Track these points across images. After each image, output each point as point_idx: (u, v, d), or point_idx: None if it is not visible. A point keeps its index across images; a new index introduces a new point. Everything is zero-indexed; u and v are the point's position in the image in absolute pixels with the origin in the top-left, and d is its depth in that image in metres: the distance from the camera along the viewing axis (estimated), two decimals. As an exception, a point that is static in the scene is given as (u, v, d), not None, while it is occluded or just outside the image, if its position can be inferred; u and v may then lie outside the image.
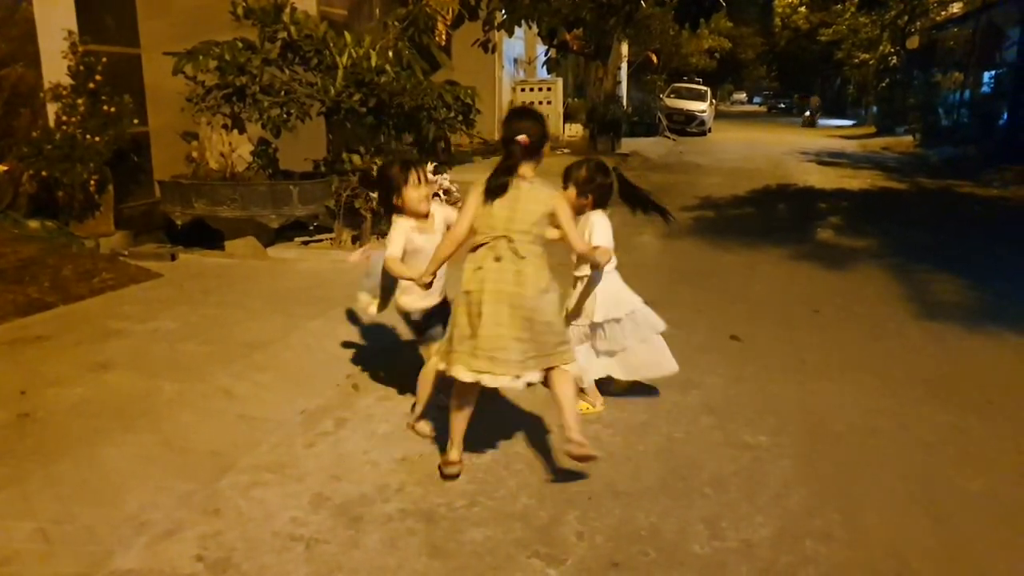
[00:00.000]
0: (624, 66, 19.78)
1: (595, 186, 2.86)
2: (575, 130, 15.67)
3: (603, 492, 2.42)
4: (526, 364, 2.34)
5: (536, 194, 2.37)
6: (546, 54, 13.79)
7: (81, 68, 5.13)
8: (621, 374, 3.05)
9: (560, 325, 2.50)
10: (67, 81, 5.12)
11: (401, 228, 2.67)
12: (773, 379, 3.43)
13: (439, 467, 2.52)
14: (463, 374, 2.34)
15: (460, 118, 5.94)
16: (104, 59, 5.29)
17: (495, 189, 2.34)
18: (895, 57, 24.10)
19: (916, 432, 2.93)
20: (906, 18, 22.35)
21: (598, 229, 2.85)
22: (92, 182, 5.11)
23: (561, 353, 2.41)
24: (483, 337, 2.30)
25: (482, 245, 2.36)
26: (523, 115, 2.47)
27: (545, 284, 2.37)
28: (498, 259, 2.32)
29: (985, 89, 16.16)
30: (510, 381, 2.34)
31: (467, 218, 2.39)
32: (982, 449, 2.79)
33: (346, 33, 5.68)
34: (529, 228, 2.35)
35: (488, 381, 2.34)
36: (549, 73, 14.81)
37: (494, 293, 2.31)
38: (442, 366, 2.46)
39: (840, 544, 2.19)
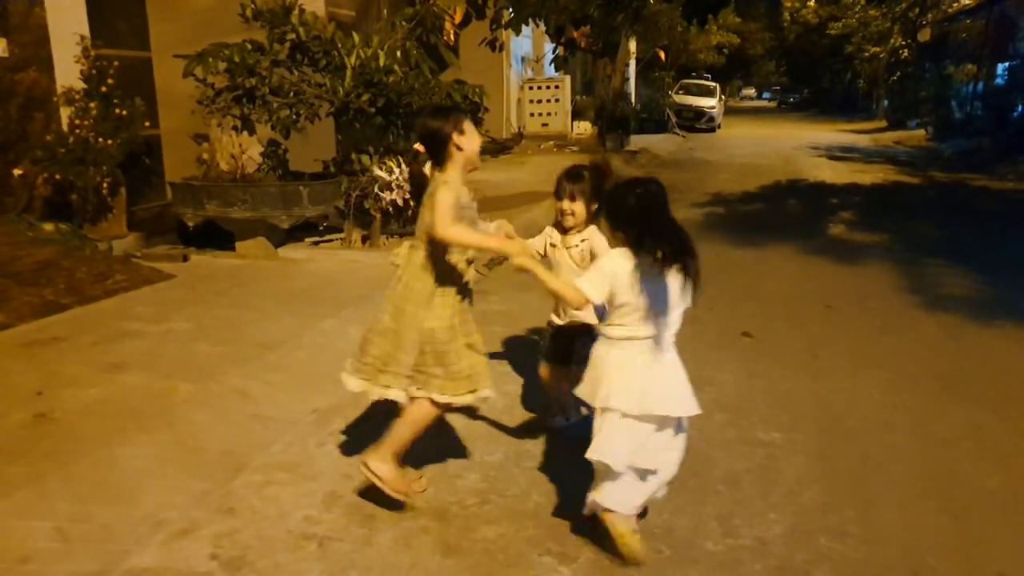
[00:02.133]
0: (632, 63, 19.70)
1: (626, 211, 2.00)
2: (584, 128, 15.64)
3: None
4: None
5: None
6: (554, 52, 13.76)
7: (93, 72, 5.18)
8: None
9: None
10: (80, 85, 5.17)
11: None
12: (786, 375, 3.40)
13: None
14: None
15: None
16: (116, 63, 5.34)
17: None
18: (906, 50, 23.82)
19: (931, 428, 2.90)
20: (917, 10, 22.10)
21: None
22: (105, 185, 5.16)
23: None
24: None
25: None
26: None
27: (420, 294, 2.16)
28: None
29: (999, 81, 15.97)
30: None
31: None
32: (999, 445, 2.76)
33: (354, 34, 5.70)
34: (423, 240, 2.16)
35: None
36: (557, 71, 14.76)
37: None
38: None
39: (855, 541, 2.17)
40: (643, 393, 1.96)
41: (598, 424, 2.04)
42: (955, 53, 19.63)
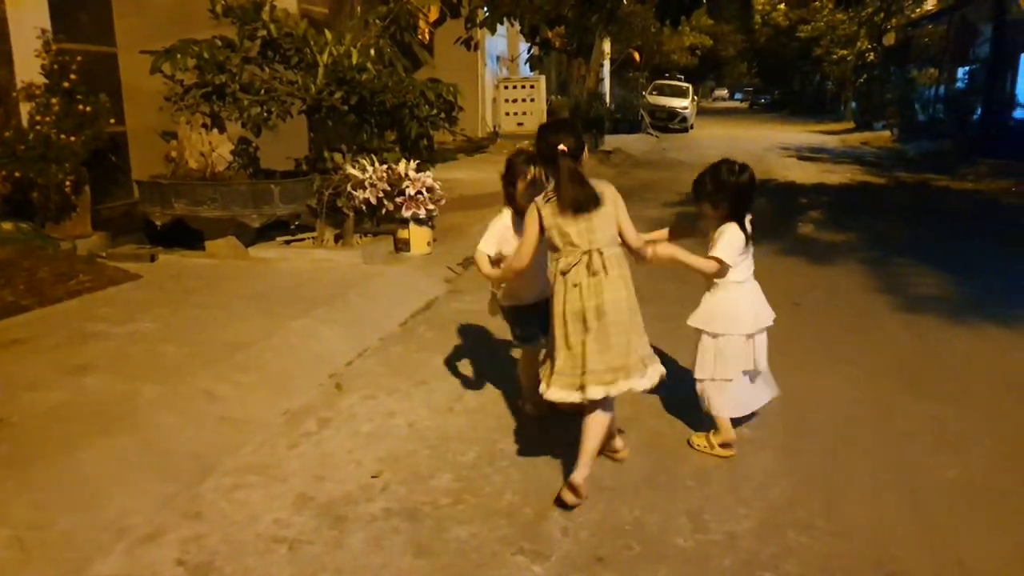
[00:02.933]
0: (607, 63, 19.85)
1: (729, 190, 2.52)
2: (558, 127, 15.69)
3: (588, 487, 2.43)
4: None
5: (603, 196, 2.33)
6: (529, 52, 13.79)
7: (55, 67, 5.04)
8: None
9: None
10: (40, 80, 5.02)
11: (496, 225, 2.68)
12: (755, 372, 3.45)
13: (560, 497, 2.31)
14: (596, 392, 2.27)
15: (443, 115, 5.92)
16: (79, 58, 5.19)
17: (581, 202, 2.27)
18: (872, 53, 24.42)
19: (895, 422, 2.97)
20: (882, 15, 22.67)
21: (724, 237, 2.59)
22: (68, 183, 5.01)
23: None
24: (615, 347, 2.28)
25: (572, 264, 2.29)
26: (558, 127, 2.40)
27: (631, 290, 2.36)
28: (594, 274, 2.27)
29: (960, 85, 16.43)
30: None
31: (534, 236, 2.34)
32: (958, 438, 2.84)
33: (327, 31, 5.63)
34: (613, 236, 2.33)
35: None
36: (532, 71, 14.79)
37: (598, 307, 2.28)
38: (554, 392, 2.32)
39: (822, 534, 2.22)
40: (767, 311, 2.74)
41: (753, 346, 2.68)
42: (919, 57, 20.14)
